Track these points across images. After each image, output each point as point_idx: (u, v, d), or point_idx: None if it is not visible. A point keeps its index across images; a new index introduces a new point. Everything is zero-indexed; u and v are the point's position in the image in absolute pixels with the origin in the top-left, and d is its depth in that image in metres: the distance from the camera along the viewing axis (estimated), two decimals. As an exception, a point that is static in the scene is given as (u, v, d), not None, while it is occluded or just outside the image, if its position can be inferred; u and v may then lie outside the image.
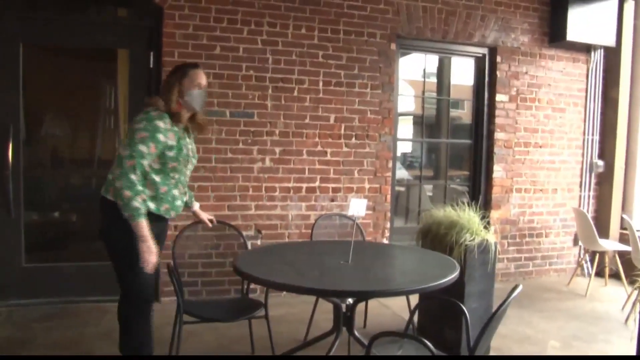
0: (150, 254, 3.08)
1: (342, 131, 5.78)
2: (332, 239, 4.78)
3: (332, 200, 5.75)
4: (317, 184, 5.69)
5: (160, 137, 3.15)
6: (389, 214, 6.04)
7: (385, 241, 5.98)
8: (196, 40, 5.24)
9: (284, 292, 5.29)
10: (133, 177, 3.06)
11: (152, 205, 3.22)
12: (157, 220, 3.26)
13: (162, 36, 5.18)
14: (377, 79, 5.88)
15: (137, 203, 3.03)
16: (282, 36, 5.52)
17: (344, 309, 3.42)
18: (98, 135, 5.81)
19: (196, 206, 3.88)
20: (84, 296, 5.16)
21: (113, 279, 5.12)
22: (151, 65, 5.27)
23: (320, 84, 5.67)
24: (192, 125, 3.47)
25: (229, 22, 5.34)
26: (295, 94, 5.59)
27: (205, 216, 3.93)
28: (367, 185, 5.90)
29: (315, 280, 3.18)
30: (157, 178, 3.23)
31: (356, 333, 3.44)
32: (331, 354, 3.37)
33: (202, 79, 3.38)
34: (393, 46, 5.94)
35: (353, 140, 5.82)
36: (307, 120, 5.64)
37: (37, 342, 4.24)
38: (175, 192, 3.35)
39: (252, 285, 4.67)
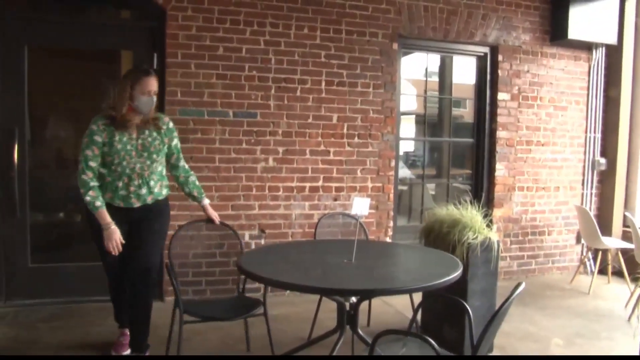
0: (110, 240, 3.56)
1: (345, 130, 5.80)
2: (336, 238, 4.80)
3: (335, 200, 5.77)
4: (320, 183, 5.72)
5: (97, 138, 3.62)
6: (391, 213, 6.06)
7: (388, 240, 6.00)
8: (199, 41, 5.26)
9: (288, 291, 5.31)
10: (84, 177, 3.60)
11: (101, 196, 3.65)
12: (116, 211, 3.67)
13: (165, 37, 5.20)
14: (379, 78, 5.90)
15: (89, 197, 3.58)
16: (284, 36, 5.54)
17: (347, 308, 3.43)
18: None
19: (205, 202, 4.09)
20: (89, 296, 5.17)
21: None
22: (155, 66, 5.28)
23: (323, 83, 5.70)
24: (149, 123, 3.80)
25: (232, 23, 5.36)
26: (298, 93, 5.61)
27: (212, 213, 4.10)
28: (370, 185, 5.92)
29: (318, 279, 3.20)
30: (102, 170, 3.69)
31: (360, 331, 3.46)
32: (335, 352, 3.39)
33: (153, 86, 3.71)
34: (395, 46, 5.96)
35: (356, 139, 5.84)
36: (310, 120, 5.66)
37: (43, 342, 4.26)
38: (119, 183, 3.71)
39: (256, 285, 4.71)
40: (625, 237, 6.62)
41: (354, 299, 3.42)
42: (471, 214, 4.34)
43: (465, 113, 7.87)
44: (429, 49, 6.40)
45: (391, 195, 6.03)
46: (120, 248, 3.62)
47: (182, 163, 4.07)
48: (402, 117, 6.36)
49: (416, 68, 6.96)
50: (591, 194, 7.04)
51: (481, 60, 6.56)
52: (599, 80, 6.94)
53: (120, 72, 5.65)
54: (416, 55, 6.62)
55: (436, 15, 6.07)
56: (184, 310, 3.57)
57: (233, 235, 4.22)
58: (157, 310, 4.96)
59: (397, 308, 5.22)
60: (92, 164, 3.62)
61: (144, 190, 3.78)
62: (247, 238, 5.47)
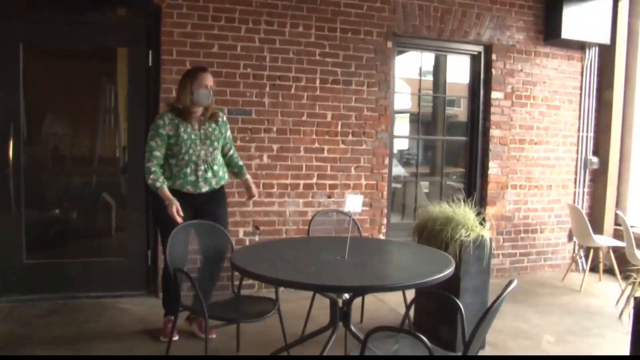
0: (171, 208, 3.96)
1: (339, 128, 5.83)
2: (330, 235, 4.82)
3: (329, 197, 5.79)
4: (314, 180, 5.74)
5: (162, 131, 4.15)
6: (385, 211, 6.09)
7: (381, 237, 6.03)
8: (194, 38, 5.28)
9: (282, 288, 5.33)
10: (148, 164, 4.11)
11: (169, 183, 4.15)
12: (180, 197, 4.08)
13: (160, 35, 5.21)
14: (374, 76, 5.92)
15: (150, 180, 4.08)
16: (279, 34, 5.56)
17: (340, 304, 3.45)
18: (98, 133, 5.84)
19: (246, 176, 4.53)
20: (84, 292, 5.21)
21: (113, 275, 5.22)
22: (150, 64, 5.30)
23: (317, 81, 5.72)
24: (208, 116, 4.33)
25: (227, 21, 5.38)
26: (293, 91, 5.63)
27: (252, 187, 4.45)
28: (363, 182, 5.95)
29: (311, 276, 3.21)
30: (171, 161, 4.21)
31: (352, 328, 3.47)
32: (327, 349, 3.41)
33: (209, 80, 4.24)
34: (389, 44, 5.98)
35: (350, 137, 5.87)
36: (304, 118, 5.69)
37: (38, 338, 4.28)
38: (187, 169, 4.22)
39: (250, 281, 4.72)
40: (617, 235, 6.67)
41: (346, 296, 3.43)
42: (464, 212, 4.36)
43: (459, 112, 7.90)
44: (423, 48, 6.43)
45: (385, 193, 6.06)
46: (180, 218, 3.96)
47: (232, 151, 4.58)
48: (396, 115, 6.39)
49: (410, 67, 6.99)
50: (583, 192, 7.08)
51: (475, 59, 6.59)
52: (592, 80, 6.97)
53: (117, 70, 5.67)
54: (410, 54, 6.64)
55: (430, 14, 6.09)
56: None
57: (229, 232, 4.24)
58: (154, 306, 5.02)
59: (390, 305, 5.25)
60: (157, 153, 4.15)
61: (209, 174, 4.29)
62: (241, 235, 5.49)
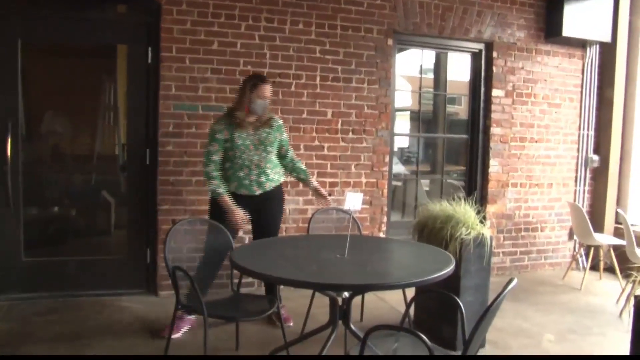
0: (234, 217, 4.24)
1: (339, 126, 5.81)
2: (330, 233, 4.81)
3: (330, 195, 5.75)
4: (314, 178, 5.68)
5: (218, 136, 4.33)
6: (385, 209, 6.07)
7: (382, 235, 6.02)
8: (194, 35, 5.26)
9: (282, 286, 5.32)
10: (207, 169, 4.35)
11: (225, 186, 4.36)
12: (236, 198, 4.34)
13: (160, 32, 5.20)
14: (374, 74, 5.91)
15: (212, 186, 4.32)
16: (279, 31, 5.55)
17: (340, 303, 3.44)
18: (97, 131, 5.83)
19: (313, 183, 4.67)
20: (84, 290, 5.19)
21: (112, 273, 5.22)
22: (149, 61, 5.28)
23: (318, 79, 5.70)
24: (262, 122, 4.45)
25: (227, 18, 5.36)
26: (293, 89, 5.62)
27: (323, 191, 4.62)
28: (364, 180, 5.94)
29: (311, 274, 3.20)
30: (226, 164, 4.42)
31: (352, 326, 3.45)
32: (327, 347, 3.39)
33: (268, 91, 4.41)
34: (390, 42, 5.96)
35: (350, 135, 5.85)
36: (304, 115, 5.67)
37: (37, 336, 4.26)
38: (240, 173, 4.40)
39: (249, 279, 4.72)
40: (617, 233, 6.66)
41: (346, 294, 3.42)
42: (464, 210, 4.35)
43: (460, 110, 7.88)
44: (424, 45, 6.41)
45: (385, 191, 6.05)
46: (245, 223, 4.40)
47: (290, 153, 4.68)
48: (396, 113, 6.38)
49: (411, 64, 6.97)
50: (584, 190, 7.07)
51: (476, 56, 6.57)
52: (593, 78, 6.95)
53: (116, 67, 5.66)
54: (411, 51, 6.62)
55: (431, 11, 6.07)
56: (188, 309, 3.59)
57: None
58: (151, 304, 5.02)
59: (390, 304, 5.24)
60: (215, 157, 4.35)
61: (262, 179, 4.44)
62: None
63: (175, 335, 4.23)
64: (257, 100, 4.34)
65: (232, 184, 4.40)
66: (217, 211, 4.36)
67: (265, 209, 4.50)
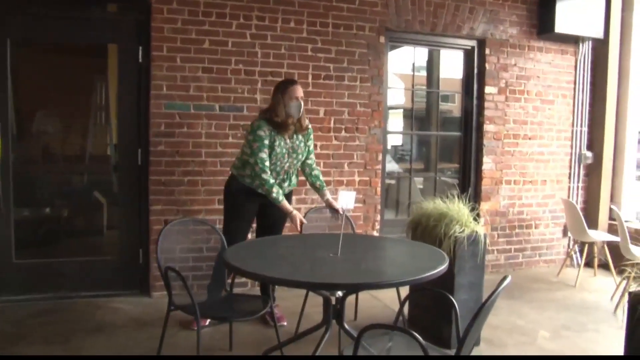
0: (295, 221, 4.28)
1: (332, 124, 5.79)
2: (323, 232, 4.79)
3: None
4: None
5: (266, 142, 4.31)
6: (379, 207, 6.06)
7: (375, 234, 6.00)
8: (185, 34, 5.23)
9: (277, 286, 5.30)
10: (264, 176, 4.27)
11: (248, 180, 4.41)
12: (250, 193, 4.42)
13: (150, 31, 5.16)
14: (367, 72, 5.89)
15: (274, 194, 4.26)
16: (271, 30, 5.52)
17: (333, 302, 3.42)
18: (89, 131, 5.81)
19: (327, 196, 4.57)
20: (76, 292, 5.16)
21: (105, 274, 5.18)
22: (140, 60, 5.25)
23: (310, 77, 5.68)
24: (299, 129, 4.49)
25: (218, 16, 5.32)
26: (285, 87, 5.58)
27: (335, 205, 4.42)
28: (357, 178, 5.91)
29: (304, 274, 3.18)
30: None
31: (346, 326, 3.44)
32: (321, 347, 3.37)
33: (299, 92, 4.42)
34: (382, 39, 5.94)
35: (343, 133, 5.83)
36: (297, 114, 5.64)
37: (30, 338, 4.23)
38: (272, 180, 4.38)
39: (242, 279, 4.70)
40: (611, 230, 6.66)
41: (340, 293, 3.40)
42: (458, 208, 4.34)
43: (453, 107, 7.87)
44: (416, 43, 6.39)
45: (378, 189, 6.03)
46: (304, 221, 4.34)
47: (313, 159, 4.69)
48: (389, 111, 6.36)
49: (404, 62, 6.95)
50: (578, 187, 7.07)
51: (468, 53, 6.56)
52: (586, 74, 6.95)
53: (107, 66, 5.62)
54: (404, 49, 6.60)
55: (423, 8, 6.06)
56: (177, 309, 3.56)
57: (220, 229, 4.21)
58: (145, 305, 4.99)
59: (385, 302, 5.22)
60: (267, 163, 4.33)
61: (286, 184, 4.54)
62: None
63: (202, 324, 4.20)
64: (290, 103, 4.36)
65: (256, 182, 4.37)
66: (231, 204, 4.54)
67: (273, 210, 4.45)
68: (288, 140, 4.42)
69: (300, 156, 4.52)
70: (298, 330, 4.25)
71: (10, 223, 5.06)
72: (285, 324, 4.56)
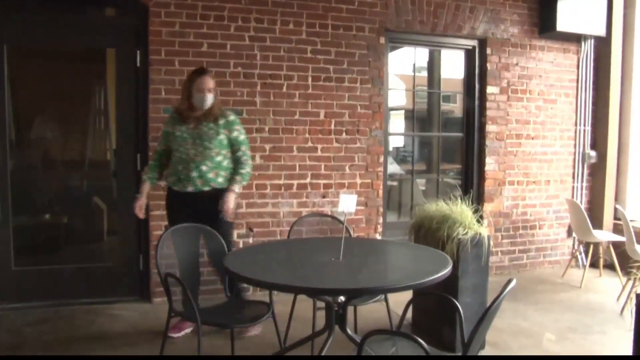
0: (136, 201, 4.34)
1: (333, 126, 5.74)
2: (322, 235, 4.73)
3: (324, 197, 5.71)
4: (308, 180, 5.66)
5: (164, 128, 4.44)
6: (381, 210, 6.00)
7: (378, 237, 5.95)
8: (183, 37, 5.19)
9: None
10: (150, 160, 4.52)
11: (153, 175, 4.47)
12: (173, 195, 4.42)
13: (148, 34, 5.13)
14: (367, 73, 5.84)
15: (143, 173, 4.48)
16: (269, 32, 5.48)
17: (336, 307, 3.37)
18: (88, 136, 5.77)
19: (232, 187, 4.29)
20: (76, 299, 5.11)
21: (105, 280, 5.14)
22: (138, 64, 5.22)
23: (310, 79, 5.63)
24: (207, 116, 4.32)
25: (216, 19, 5.29)
26: (284, 90, 5.55)
27: (226, 202, 4.22)
28: (358, 181, 5.87)
29: (305, 279, 3.14)
30: (171, 157, 4.40)
31: (349, 331, 3.39)
32: (324, 353, 3.33)
33: (206, 84, 4.27)
34: (382, 40, 5.90)
35: (343, 135, 5.78)
36: (296, 116, 5.60)
37: (28, 347, 4.19)
38: (178, 167, 4.32)
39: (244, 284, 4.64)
40: (617, 230, 6.59)
41: (342, 298, 3.35)
42: (461, 209, 4.30)
43: (455, 107, 7.82)
44: (417, 43, 6.34)
45: (380, 192, 5.98)
46: (141, 215, 4.39)
47: (240, 154, 4.40)
48: (390, 112, 6.31)
49: (404, 63, 6.90)
50: (582, 187, 7.01)
51: (470, 53, 6.51)
52: (588, 73, 6.89)
53: (106, 71, 5.59)
54: (404, 49, 6.56)
55: (423, 8, 6.01)
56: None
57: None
58: (145, 312, 4.95)
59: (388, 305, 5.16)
60: (158, 148, 4.49)
61: (194, 174, 4.27)
62: (235, 237, 5.39)
63: (175, 335, 4.33)
64: (196, 94, 4.25)
65: (171, 178, 4.37)
66: (168, 206, 4.54)
67: (210, 211, 4.17)
68: (193, 126, 4.30)
69: (208, 144, 4.26)
70: (287, 333, 4.16)
71: (9, 230, 5.03)
72: (257, 333, 4.44)
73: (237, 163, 4.39)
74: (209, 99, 4.29)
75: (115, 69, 5.35)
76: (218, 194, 4.25)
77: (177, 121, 4.33)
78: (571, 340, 4.52)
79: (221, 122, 4.32)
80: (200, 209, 4.24)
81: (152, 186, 4.51)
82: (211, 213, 4.16)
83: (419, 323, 4.51)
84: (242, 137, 4.43)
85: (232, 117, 4.40)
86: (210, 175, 4.29)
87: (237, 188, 4.32)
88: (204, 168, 4.27)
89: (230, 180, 4.33)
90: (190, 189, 4.29)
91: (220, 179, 4.33)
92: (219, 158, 4.32)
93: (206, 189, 4.30)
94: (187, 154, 4.28)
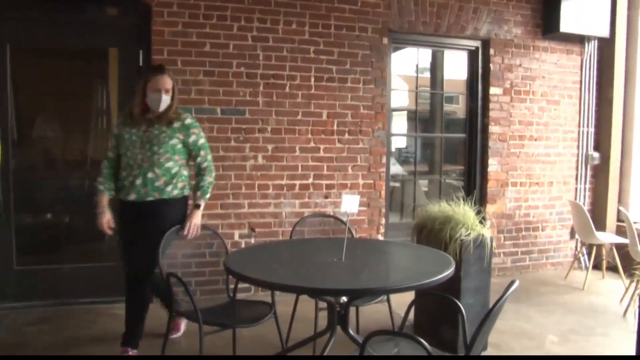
0: (100, 217, 3.94)
1: (335, 127, 5.73)
2: (324, 236, 4.73)
3: (326, 197, 5.70)
4: (310, 180, 5.65)
5: (115, 131, 4.05)
6: (383, 210, 5.99)
7: (380, 237, 5.94)
8: (185, 37, 5.19)
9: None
10: (101, 165, 4.03)
11: (109, 185, 4.01)
12: (127, 206, 3.92)
13: (151, 34, 5.13)
14: (370, 73, 5.83)
15: (97, 183, 4.01)
16: (272, 32, 5.47)
17: (338, 308, 3.36)
18: (90, 135, 5.76)
19: (197, 204, 3.98)
20: (77, 298, 5.11)
21: (106, 280, 5.12)
22: (141, 64, 5.22)
23: (312, 79, 5.63)
24: (161, 118, 3.90)
25: (219, 19, 5.29)
26: (287, 90, 5.54)
27: (190, 222, 3.91)
28: (361, 182, 5.86)
29: (307, 279, 3.13)
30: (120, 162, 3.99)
31: (351, 331, 3.38)
32: (326, 353, 3.32)
33: (162, 84, 3.85)
34: (385, 40, 5.89)
35: (346, 136, 5.78)
36: (299, 117, 5.59)
37: (29, 346, 4.19)
38: (124, 172, 3.93)
39: (245, 284, 4.63)
40: (620, 231, 6.58)
41: (344, 299, 3.34)
42: (464, 210, 4.29)
43: (457, 108, 7.82)
44: (420, 44, 6.33)
45: (383, 192, 5.97)
46: (109, 231, 3.96)
47: (200, 160, 4.00)
48: (393, 113, 6.30)
49: (407, 63, 6.89)
50: (585, 188, 6.99)
51: (473, 54, 6.50)
52: (592, 74, 6.88)
53: (108, 70, 5.59)
54: (407, 50, 6.55)
55: (426, 9, 6.00)
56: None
57: (223, 234, 4.16)
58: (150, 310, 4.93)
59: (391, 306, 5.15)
60: (110, 154, 4.03)
61: (139, 181, 3.85)
62: (236, 237, 5.40)
63: (176, 335, 4.31)
64: (151, 94, 3.84)
65: (119, 184, 3.96)
66: (118, 217, 4.02)
67: (136, 226, 3.88)
68: (144, 129, 3.87)
69: (156, 148, 3.84)
70: (289, 334, 4.15)
71: (11, 229, 5.04)
72: (178, 335, 4.39)
73: (197, 172, 4.02)
74: (165, 100, 3.86)
75: (117, 68, 5.35)
76: (164, 207, 3.89)
77: (128, 123, 3.92)
78: (574, 342, 4.50)
79: (175, 125, 3.90)
80: (139, 221, 3.87)
81: (110, 198, 4.02)
82: (146, 227, 3.83)
83: (421, 324, 4.49)
84: (202, 140, 4.01)
85: (189, 120, 3.97)
86: (158, 183, 3.87)
87: (202, 203, 3.98)
88: (150, 175, 3.85)
89: (194, 194, 4.01)
90: (132, 197, 3.88)
91: (169, 188, 3.90)
92: (169, 164, 3.89)
93: (149, 198, 3.86)
94: (134, 159, 3.86)
